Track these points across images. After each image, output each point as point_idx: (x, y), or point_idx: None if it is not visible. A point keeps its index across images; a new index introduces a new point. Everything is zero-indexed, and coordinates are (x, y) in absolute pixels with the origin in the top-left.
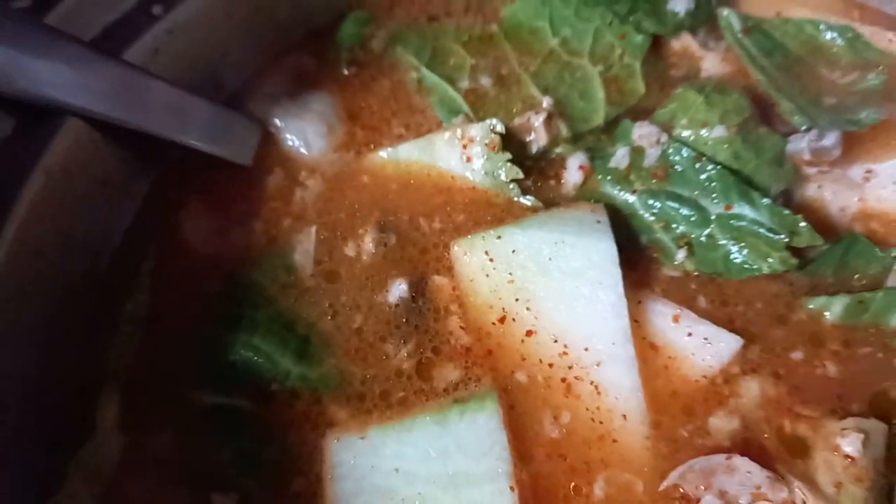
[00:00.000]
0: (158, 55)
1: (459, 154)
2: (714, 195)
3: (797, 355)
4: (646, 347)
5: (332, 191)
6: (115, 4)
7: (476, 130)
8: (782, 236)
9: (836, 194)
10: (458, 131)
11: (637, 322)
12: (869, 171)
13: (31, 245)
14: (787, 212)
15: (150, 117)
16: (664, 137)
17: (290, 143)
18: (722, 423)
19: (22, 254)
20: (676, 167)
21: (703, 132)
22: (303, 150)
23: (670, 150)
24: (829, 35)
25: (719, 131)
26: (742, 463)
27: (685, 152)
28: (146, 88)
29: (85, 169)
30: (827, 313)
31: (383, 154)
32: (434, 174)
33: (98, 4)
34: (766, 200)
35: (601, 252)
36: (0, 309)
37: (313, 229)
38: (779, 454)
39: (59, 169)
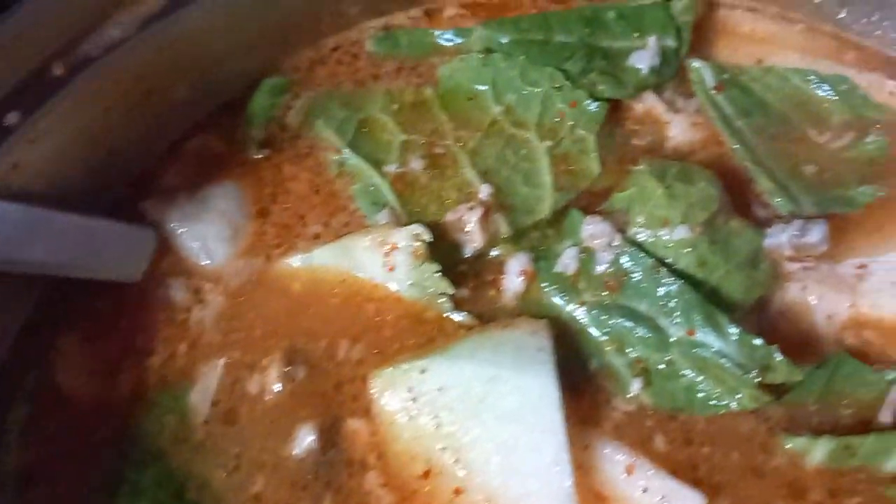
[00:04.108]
0: (18, 170)
1: (382, 262)
2: (675, 315)
3: None
4: (592, 500)
5: (236, 308)
6: None
7: (399, 237)
8: (753, 373)
9: (822, 298)
10: (380, 236)
11: (583, 471)
12: (863, 268)
13: None
14: (758, 342)
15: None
16: (617, 240)
17: (187, 250)
18: None
19: None
20: (632, 276)
21: (663, 233)
22: (203, 259)
23: (624, 257)
24: (818, 87)
25: (681, 232)
26: None
27: (642, 259)
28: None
29: None
30: (808, 456)
31: (297, 260)
32: (354, 285)
33: None
34: (733, 329)
35: (541, 391)
36: None
37: (221, 363)
38: None
39: None
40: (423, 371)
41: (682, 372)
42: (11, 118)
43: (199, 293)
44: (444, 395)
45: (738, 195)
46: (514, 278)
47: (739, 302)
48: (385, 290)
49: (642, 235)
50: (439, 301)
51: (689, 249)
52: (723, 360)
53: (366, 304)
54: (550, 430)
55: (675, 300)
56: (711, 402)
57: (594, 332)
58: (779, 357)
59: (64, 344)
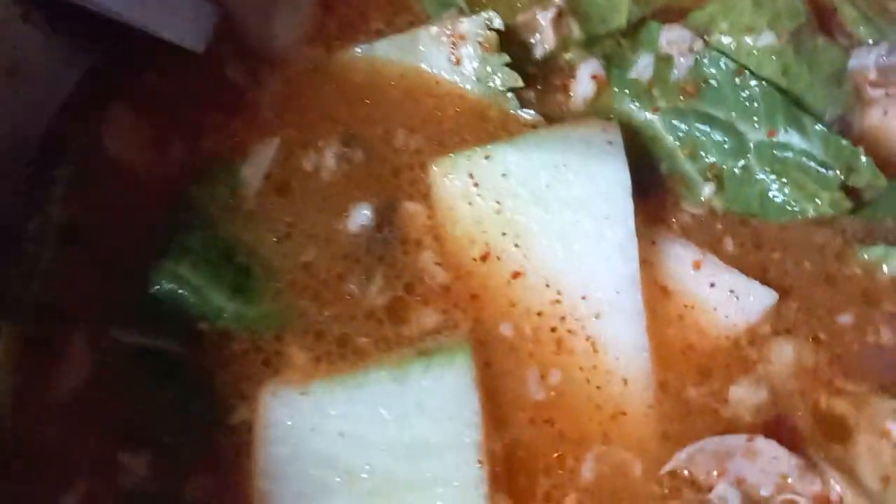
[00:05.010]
0: None
1: (447, 54)
2: (755, 118)
3: (844, 317)
4: (657, 293)
5: (294, 92)
6: None
7: (468, 25)
8: (837, 172)
9: None
10: (447, 26)
11: (648, 264)
12: None
13: None
14: (844, 142)
15: None
16: (699, 44)
17: (248, 33)
18: (745, 394)
19: None
20: (711, 82)
21: (748, 39)
22: (262, 42)
23: (705, 61)
24: None
25: (767, 38)
26: (766, 446)
27: (723, 64)
28: None
29: None
30: (884, 266)
31: (357, 51)
32: (416, 78)
33: None
34: (819, 127)
35: (611, 180)
36: None
37: (276, 141)
38: (813, 436)
39: None
40: (486, 157)
41: (758, 177)
42: None
43: (256, 74)
44: (508, 180)
45: (821, 25)
46: (584, 82)
47: (820, 114)
48: (448, 85)
49: (725, 40)
50: (505, 97)
51: (774, 57)
52: (805, 160)
53: (426, 98)
54: (618, 217)
55: (758, 103)
56: (787, 208)
57: (667, 137)
58: (864, 158)
59: (115, 111)
